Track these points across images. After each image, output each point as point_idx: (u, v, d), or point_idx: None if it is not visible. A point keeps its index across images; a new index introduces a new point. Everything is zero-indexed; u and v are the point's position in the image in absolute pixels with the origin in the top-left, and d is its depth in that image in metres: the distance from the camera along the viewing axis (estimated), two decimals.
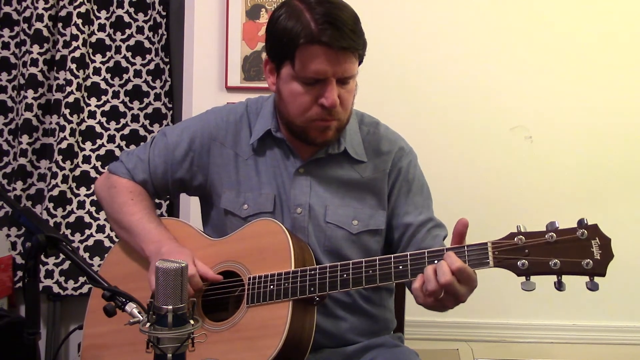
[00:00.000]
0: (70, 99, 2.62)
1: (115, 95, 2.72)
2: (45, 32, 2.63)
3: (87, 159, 2.69)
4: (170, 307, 1.06)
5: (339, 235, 1.57)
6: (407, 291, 1.63)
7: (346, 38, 1.40)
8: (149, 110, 2.74)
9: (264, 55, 1.60)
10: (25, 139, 2.63)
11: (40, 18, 2.62)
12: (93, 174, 2.69)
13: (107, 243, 2.66)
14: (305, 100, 1.47)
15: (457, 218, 1.33)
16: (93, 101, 2.69)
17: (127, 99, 2.73)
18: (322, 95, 1.45)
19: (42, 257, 1.35)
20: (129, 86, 2.73)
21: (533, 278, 1.25)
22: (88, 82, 2.69)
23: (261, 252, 1.49)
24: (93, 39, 2.68)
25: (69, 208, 2.64)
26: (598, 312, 2.52)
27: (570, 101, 2.56)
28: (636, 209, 2.56)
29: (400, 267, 1.36)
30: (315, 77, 1.44)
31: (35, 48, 2.62)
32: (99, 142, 2.71)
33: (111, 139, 2.72)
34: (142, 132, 2.74)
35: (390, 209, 1.61)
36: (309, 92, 1.46)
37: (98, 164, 2.70)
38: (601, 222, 1.23)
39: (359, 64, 1.50)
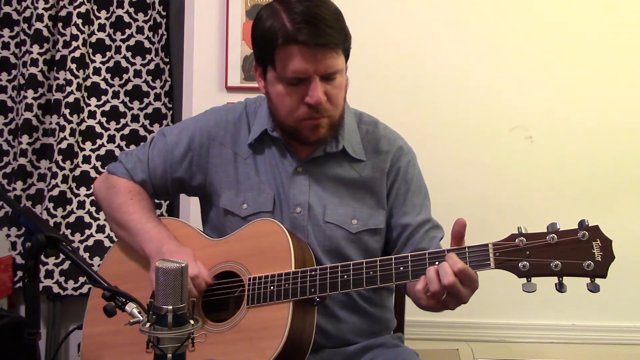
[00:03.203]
0: (70, 99, 2.62)
1: (115, 95, 2.72)
2: (45, 32, 2.63)
3: (87, 159, 2.69)
4: (170, 307, 1.06)
5: (339, 235, 1.57)
6: None
7: (323, 34, 1.39)
8: (149, 110, 2.74)
9: None
10: (25, 139, 2.63)
11: (40, 18, 2.62)
12: (93, 174, 2.68)
13: (107, 243, 2.65)
14: (291, 101, 1.47)
15: (457, 218, 1.33)
16: (93, 101, 2.69)
17: (127, 99, 2.73)
18: (307, 94, 1.44)
19: (42, 257, 1.35)
20: (129, 86, 2.73)
21: (534, 279, 1.25)
22: (88, 82, 2.68)
23: (261, 252, 1.49)
24: (93, 39, 2.68)
25: (69, 208, 2.64)
26: (598, 312, 2.52)
27: (570, 101, 2.56)
28: (636, 208, 2.56)
29: (401, 268, 1.36)
30: (297, 77, 1.43)
31: (35, 48, 2.62)
32: (99, 142, 2.70)
33: (111, 139, 2.72)
34: (142, 132, 2.74)
35: (388, 208, 1.61)
36: (293, 92, 1.46)
37: (98, 164, 2.69)
38: (601, 222, 1.23)
39: (347, 58, 1.49)
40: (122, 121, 2.73)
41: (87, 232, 2.67)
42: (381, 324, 1.66)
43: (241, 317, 1.46)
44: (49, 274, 2.60)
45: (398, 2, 2.57)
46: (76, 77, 2.63)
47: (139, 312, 1.17)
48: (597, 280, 1.21)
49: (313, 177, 1.58)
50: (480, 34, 2.57)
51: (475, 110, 2.56)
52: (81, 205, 2.67)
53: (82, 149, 2.68)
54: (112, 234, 2.64)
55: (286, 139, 1.58)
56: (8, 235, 2.67)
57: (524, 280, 1.25)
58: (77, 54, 2.62)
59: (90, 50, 2.68)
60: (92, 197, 2.64)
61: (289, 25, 1.40)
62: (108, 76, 2.71)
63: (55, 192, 2.61)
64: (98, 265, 2.54)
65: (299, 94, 1.45)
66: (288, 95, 1.46)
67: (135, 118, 2.73)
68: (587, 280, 1.21)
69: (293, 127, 1.50)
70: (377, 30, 2.52)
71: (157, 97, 2.74)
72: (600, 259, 1.20)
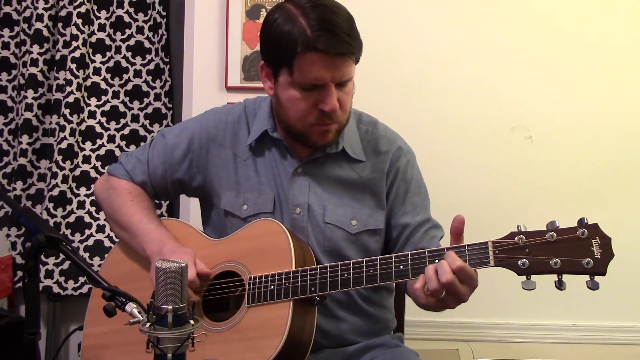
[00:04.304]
0: (70, 99, 2.62)
1: (115, 95, 2.72)
2: (45, 32, 2.63)
3: (87, 159, 2.69)
4: (170, 307, 1.06)
5: (338, 236, 1.57)
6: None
7: (342, 43, 1.40)
8: (149, 110, 2.74)
9: None
10: (25, 139, 2.63)
11: (40, 18, 2.62)
12: (93, 174, 2.69)
13: (107, 243, 2.66)
14: (304, 106, 1.46)
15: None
16: (93, 101, 2.69)
17: (127, 99, 2.73)
18: (322, 100, 1.44)
19: (42, 257, 1.35)
20: (129, 86, 2.73)
21: (533, 277, 1.25)
22: (88, 82, 2.69)
23: (262, 252, 1.49)
24: (93, 39, 2.68)
25: (69, 208, 2.64)
26: (598, 312, 2.53)
27: (570, 101, 2.56)
28: (636, 208, 2.56)
29: (401, 266, 1.36)
30: (314, 84, 1.44)
31: (35, 48, 2.62)
32: (99, 142, 2.71)
33: (111, 139, 2.72)
34: (142, 132, 2.74)
35: (388, 208, 1.61)
36: (307, 97, 1.45)
37: (98, 164, 2.70)
38: (601, 221, 1.23)
39: (355, 64, 1.49)
40: (122, 121, 2.73)
41: (87, 232, 2.67)
42: (381, 324, 1.66)
43: (241, 317, 1.46)
44: (49, 274, 2.60)
45: (398, 2, 2.57)
46: (76, 77, 2.63)
47: (139, 312, 1.17)
48: (597, 278, 1.21)
49: (313, 177, 1.58)
50: (481, 34, 2.57)
51: (475, 110, 2.56)
52: (81, 205, 2.67)
53: (82, 149, 2.68)
54: (112, 234, 2.64)
55: (287, 140, 1.58)
56: (8, 235, 2.67)
57: (523, 278, 1.25)
58: (77, 54, 2.62)
59: (90, 50, 2.68)
60: (92, 197, 2.65)
61: (309, 31, 1.39)
62: (108, 76, 2.72)
63: (55, 192, 2.61)
64: (98, 266, 2.55)
65: (312, 100, 1.45)
66: (302, 100, 1.46)
67: (135, 118, 2.73)
68: (587, 278, 1.21)
69: (302, 131, 1.51)
70: (377, 30, 2.52)
71: (157, 97, 2.74)
72: (599, 257, 1.20)
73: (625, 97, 2.56)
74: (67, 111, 2.62)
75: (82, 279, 2.62)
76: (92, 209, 2.67)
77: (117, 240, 1.73)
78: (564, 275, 1.23)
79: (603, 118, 2.56)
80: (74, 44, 2.61)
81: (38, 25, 2.62)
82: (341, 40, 1.39)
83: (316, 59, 1.40)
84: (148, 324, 1.07)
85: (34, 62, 2.62)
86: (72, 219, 2.65)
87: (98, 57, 2.69)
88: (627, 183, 2.56)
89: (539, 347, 2.53)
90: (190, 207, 2.45)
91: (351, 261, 1.41)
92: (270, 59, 1.50)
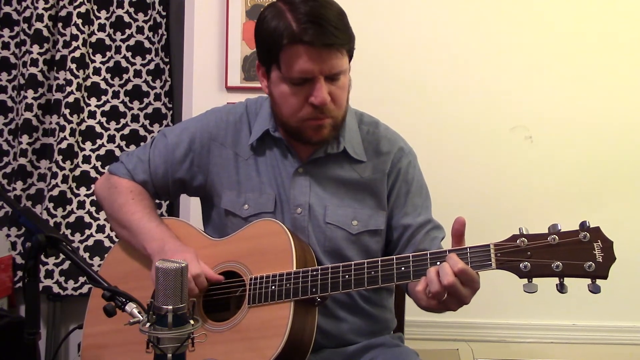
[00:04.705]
0: (70, 99, 2.62)
1: (115, 95, 2.72)
2: (45, 32, 2.63)
3: (87, 159, 2.69)
4: (170, 307, 1.06)
5: (339, 236, 1.57)
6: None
7: (328, 34, 1.39)
8: (149, 110, 2.74)
9: None
10: (25, 139, 2.63)
11: (40, 18, 2.62)
12: (93, 174, 2.68)
13: (107, 243, 2.65)
14: (295, 101, 1.47)
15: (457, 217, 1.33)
16: (93, 101, 2.69)
17: (127, 99, 2.73)
18: (312, 94, 1.44)
19: (42, 257, 1.35)
20: (129, 86, 2.73)
21: (535, 280, 1.25)
22: (88, 82, 2.68)
23: (263, 252, 1.49)
24: (93, 39, 2.68)
25: (69, 208, 2.64)
26: (598, 312, 2.52)
27: (570, 101, 2.56)
28: (636, 209, 2.56)
29: (403, 268, 1.36)
30: (302, 77, 1.43)
31: (35, 48, 2.62)
32: (99, 142, 2.70)
33: (111, 139, 2.72)
34: (142, 132, 2.74)
35: (389, 209, 1.61)
36: (298, 92, 1.46)
37: (98, 164, 2.69)
38: (601, 221, 1.23)
39: (350, 59, 1.49)
40: (122, 121, 2.73)
41: (87, 232, 2.66)
42: (381, 324, 1.66)
43: (242, 317, 1.46)
44: (49, 274, 2.60)
45: (399, 2, 2.57)
46: (76, 77, 2.63)
47: (139, 312, 1.17)
48: (598, 281, 1.21)
49: (314, 177, 1.58)
50: (481, 34, 2.57)
51: (475, 110, 2.56)
52: (81, 205, 2.67)
53: (82, 149, 2.68)
54: (112, 234, 2.64)
55: (288, 140, 1.58)
56: (8, 235, 2.67)
57: (524, 280, 1.25)
58: (77, 54, 2.62)
59: (90, 50, 2.68)
60: (92, 197, 2.65)
61: (294, 25, 1.40)
62: (108, 76, 2.71)
63: (55, 192, 2.61)
64: (98, 265, 2.55)
65: (303, 94, 1.45)
66: (292, 95, 1.46)
67: (135, 118, 2.73)
68: (588, 281, 1.21)
69: (296, 127, 1.50)
70: (378, 31, 2.52)
71: (157, 97, 2.74)
72: (601, 260, 1.20)
73: (625, 97, 2.56)
74: (67, 111, 2.62)
75: (82, 279, 2.62)
76: (92, 209, 2.67)
77: (117, 240, 1.73)
78: (565, 279, 1.23)
79: (603, 118, 2.55)
80: (74, 44, 2.61)
81: (38, 25, 2.62)
82: (328, 32, 1.39)
83: (301, 52, 1.40)
84: (148, 324, 1.07)
85: (34, 62, 2.62)
86: (72, 219, 2.65)
87: (98, 57, 2.69)
88: (627, 183, 2.56)
89: (539, 347, 2.53)
90: (191, 206, 2.45)
91: (352, 262, 1.41)
92: (262, 56, 1.51)
